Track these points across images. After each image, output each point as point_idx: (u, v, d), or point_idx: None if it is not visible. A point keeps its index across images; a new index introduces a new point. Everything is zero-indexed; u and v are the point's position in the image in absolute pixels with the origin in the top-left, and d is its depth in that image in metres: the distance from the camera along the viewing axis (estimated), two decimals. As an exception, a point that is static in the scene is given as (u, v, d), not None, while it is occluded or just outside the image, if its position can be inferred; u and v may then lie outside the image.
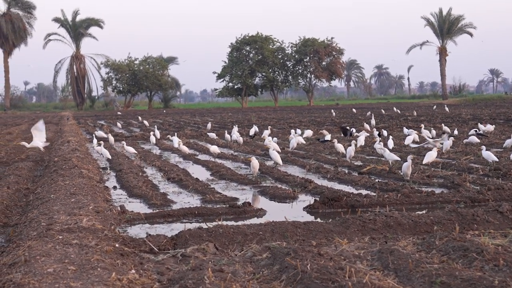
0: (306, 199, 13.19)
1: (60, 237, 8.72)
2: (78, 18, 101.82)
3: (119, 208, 11.82)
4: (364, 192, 13.75)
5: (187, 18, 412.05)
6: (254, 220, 11.24)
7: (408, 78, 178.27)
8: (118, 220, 11.04)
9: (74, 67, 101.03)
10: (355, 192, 13.55)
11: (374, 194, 12.89)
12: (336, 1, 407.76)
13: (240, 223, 10.68)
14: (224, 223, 10.12)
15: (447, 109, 57.70)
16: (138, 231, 10.63)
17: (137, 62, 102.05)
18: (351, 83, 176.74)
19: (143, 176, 17.16)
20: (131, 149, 22.95)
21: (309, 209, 12.07)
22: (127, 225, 11.05)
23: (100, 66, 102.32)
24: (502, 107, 63.91)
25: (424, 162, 17.13)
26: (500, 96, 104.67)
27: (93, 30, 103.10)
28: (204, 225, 10.03)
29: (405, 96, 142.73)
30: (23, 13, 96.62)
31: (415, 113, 51.51)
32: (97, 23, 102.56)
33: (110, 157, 21.37)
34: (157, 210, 12.16)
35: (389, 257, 7.61)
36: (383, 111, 56.58)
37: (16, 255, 7.85)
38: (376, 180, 15.14)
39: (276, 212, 12.04)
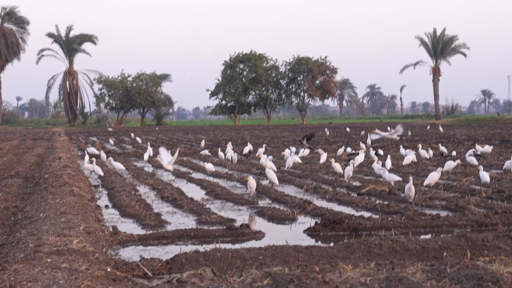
0: (306, 221, 12.72)
1: (49, 260, 8.22)
2: (71, 34, 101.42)
3: (111, 229, 11.31)
4: (365, 214, 13.28)
5: (180, 36, 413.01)
6: (253, 243, 10.75)
7: (401, 98, 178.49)
8: (110, 241, 10.53)
9: (67, 83, 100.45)
10: (357, 214, 13.09)
11: (377, 216, 12.44)
12: (330, 22, 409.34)
13: (238, 246, 10.20)
14: (222, 246, 9.63)
15: (441, 129, 57.42)
16: (131, 253, 10.13)
17: (130, 78, 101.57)
18: (344, 102, 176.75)
19: (136, 194, 16.67)
20: (119, 165, 22.70)
21: (310, 231, 11.59)
22: (120, 247, 10.55)
23: (93, 82, 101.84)
24: (496, 128, 63.76)
25: (425, 183, 16.70)
26: (493, 117, 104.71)
27: (86, 46, 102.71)
28: (200, 248, 9.54)
29: (397, 115, 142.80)
30: (17, 28, 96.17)
31: (409, 133, 51.17)
32: (90, 39, 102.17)
33: (102, 174, 20.89)
34: (151, 231, 11.66)
35: (398, 286, 7.14)
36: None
37: (1, 280, 7.35)
38: (377, 202, 14.70)
39: (275, 234, 11.57)
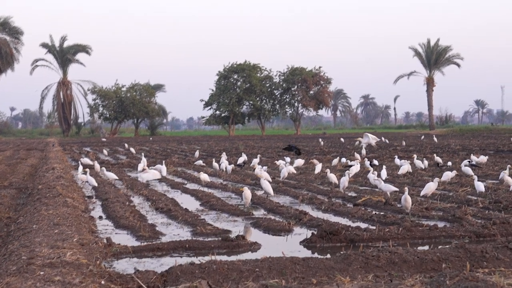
0: (302, 232, 12.59)
1: (42, 273, 8.08)
2: (65, 44, 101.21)
3: (105, 241, 11.15)
4: (361, 225, 13.17)
5: (175, 46, 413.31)
6: (249, 255, 10.62)
7: (395, 108, 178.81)
8: (104, 253, 10.38)
9: (61, 93, 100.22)
10: (353, 225, 12.96)
11: (374, 227, 12.32)
12: (324, 33, 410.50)
13: (234, 258, 10.07)
14: (218, 258, 9.49)
15: (435, 139, 57.39)
16: (125, 266, 9.99)
17: (124, 89, 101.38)
18: (338, 113, 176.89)
19: (130, 205, 16.52)
20: (112, 175, 22.74)
21: (306, 243, 11.46)
22: (114, 259, 10.40)
23: (87, 92, 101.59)
24: (490, 138, 63.80)
25: (422, 193, 16.60)
26: (486, 127, 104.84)
27: (80, 56, 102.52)
28: (196, 260, 9.39)
29: (391, 126, 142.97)
30: (11, 38, 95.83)
31: (404, 143, 51.19)
32: (84, 49, 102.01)
33: (96, 184, 20.74)
34: (146, 243, 11.51)
35: (397, 298, 7.02)
36: (371, 140, 56.13)
37: (-8, 293, 7.21)
38: (373, 212, 14.58)
39: (271, 246, 11.44)
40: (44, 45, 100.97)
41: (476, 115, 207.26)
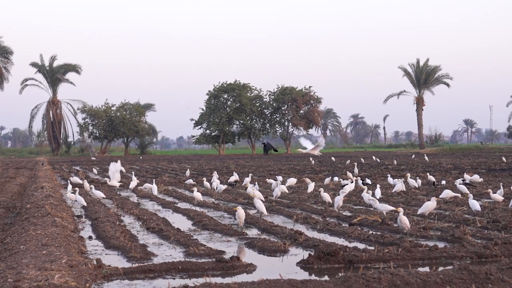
0: (298, 253, 12.24)
1: (29, 296, 7.71)
2: (55, 64, 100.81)
3: (95, 262, 10.74)
4: (358, 245, 12.84)
5: (165, 66, 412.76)
6: (244, 277, 10.25)
7: (384, 128, 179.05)
8: (94, 275, 9.96)
9: (50, 112, 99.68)
10: (350, 245, 12.61)
11: (372, 248, 12.00)
12: (313, 53, 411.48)
13: (229, 280, 9.72)
14: (213, 280, 9.14)
15: (426, 158, 57.21)
16: (116, 288, 9.61)
17: (114, 108, 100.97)
18: (327, 132, 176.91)
19: (120, 225, 16.13)
20: (99, 193, 22.75)
21: (303, 264, 11.08)
22: (104, 281, 9.99)
23: (76, 111, 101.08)
24: (480, 157, 63.72)
25: (419, 212, 16.31)
26: (476, 146, 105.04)
27: (70, 75, 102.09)
28: (190, 283, 9.05)
29: (381, 145, 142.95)
30: (0, 58, 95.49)
31: (395, 162, 51.03)
32: (74, 68, 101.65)
33: (85, 204, 20.34)
34: (137, 264, 11.10)
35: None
36: (362, 159, 55.95)
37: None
38: (370, 232, 14.24)
39: (267, 267, 11.08)
40: (34, 65, 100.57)
41: (465, 134, 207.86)
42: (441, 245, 12.41)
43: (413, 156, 66.23)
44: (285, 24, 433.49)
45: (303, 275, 10.42)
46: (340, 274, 10.18)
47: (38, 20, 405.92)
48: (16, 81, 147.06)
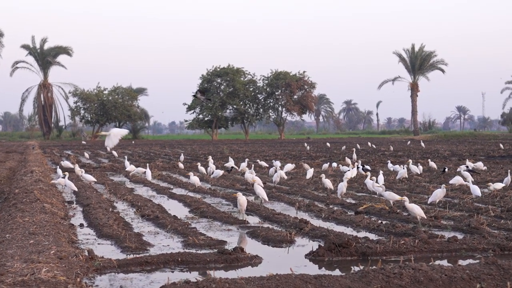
0: (305, 243, 11.39)
1: (12, 294, 6.86)
2: (46, 46, 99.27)
3: (86, 253, 9.84)
4: (368, 235, 12.00)
5: (157, 50, 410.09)
6: (250, 270, 9.41)
7: (377, 114, 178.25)
8: (85, 268, 9.06)
9: (42, 95, 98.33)
10: (359, 235, 11.77)
11: (382, 238, 11.19)
12: (307, 38, 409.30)
13: (233, 274, 8.88)
14: (216, 275, 8.29)
15: (422, 144, 56.48)
16: (109, 283, 8.71)
17: (106, 92, 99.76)
18: (320, 118, 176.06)
19: (113, 212, 15.26)
20: (90, 177, 22.18)
21: (312, 256, 10.21)
22: (96, 275, 9.11)
23: (68, 95, 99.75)
24: (476, 144, 63.02)
25: (429, 201, 15.48)
26: (471, 133, 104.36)
27: (61, 58, 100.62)
28: (191, 277, 8.20)
29: (374, 131, 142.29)
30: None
31: (391, 148, 50.30)
32: (65, 51, 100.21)
33: (75, 189, 19.48)
34: (132, 256, 10.18)
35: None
36: (358, 145, 55.13)
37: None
38: (380, 221, 13.40)
39: (273, 259, 10.23)
40: (25, 47, 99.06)
41: (457, 121, 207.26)
42: (457, 235, 11.55)
43: (409, 142, 65.46)
44: (279, 8, 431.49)
45: (313, 268, 9.58)
46: (353, 267, 9.40)
47: (29, 1, 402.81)
48: (7, 64, 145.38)
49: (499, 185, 18.69)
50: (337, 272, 9.23)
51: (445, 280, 8.11)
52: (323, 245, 10.39)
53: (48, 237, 10.71)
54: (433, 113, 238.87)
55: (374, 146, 54.85)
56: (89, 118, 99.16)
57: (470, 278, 8.19)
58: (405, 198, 13.47)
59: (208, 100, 28.47)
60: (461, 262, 9.60)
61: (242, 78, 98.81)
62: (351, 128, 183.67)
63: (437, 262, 9.41)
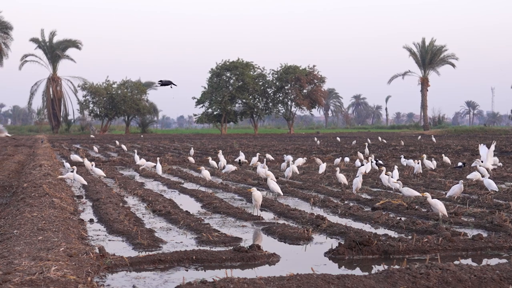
0: (323, 241, 10.99)
1: (19, 294, 6.50)
2: (55, 39, 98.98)
3: (97, 251, 9.47)
4: (388, 232, 11.60)
5: (167, 44, 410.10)
6: (268, 270, 9.02)
7: (386, 109, 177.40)
8: (96, 266, 8.68)
9: (50, 89, 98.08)
10: (378, 232, 11.37)
11: (403, 235, 10.78)
12: (317, 32, 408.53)
13: (251, 273, 8.49)
14: (234, 274, 7.90)
15: (433, 139, 55.95)
16: (122, 282, 8.34)
17: (115, 85, 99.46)
18: (329, 112, 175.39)
19: (124, 207, 14.89)
20: (99, 171, 22.01)
21: (332, 254, 9.79)
22: (108, 273, 8.73)
23: (77, 89, 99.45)
24: (486, 139, 62.29)
25: (447, 195, 15.06)
26: (481, 127, 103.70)
27: (70, 51, 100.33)
28: (207, 277, 7.81)
29: (384, 126, 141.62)
30: (0, 33, 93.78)
31: (402, 143, 49.81)
32: (74, 44, 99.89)
33: (85, 183, 19.13)
34: (145, 253, 9.81)
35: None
36: (369, 140, 54.65)
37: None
38: (398, 218, 12.98)
39: (291, 257, 9.84)
40: (34, 40, 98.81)
41: (467, 116, 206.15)
42: (481, 233, 11.12)
43: (419, 137, 64.90)
44: (288, 1, 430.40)
45: (333, 267, 9.19)
46: (375, 267, 9.02)
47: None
48: (16, 57, 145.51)
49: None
50: (358, 272, 8.85)
51: (474, 281, 7.70)
52: (343, 243, 9.98)
53: (57, 233, 10.36)
54: (442, 108, 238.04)
55: (384, 141, 54.39)
56: (98, 112, 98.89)
57: (501, 279, 7.78)
58: (427, 194, 13.06)
59: (174, 84, 27.56)
60: (488, 261, 9.19)
61: (251, 72, 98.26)
62: (360, 123, 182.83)
63: (463, 261, 9.01)
